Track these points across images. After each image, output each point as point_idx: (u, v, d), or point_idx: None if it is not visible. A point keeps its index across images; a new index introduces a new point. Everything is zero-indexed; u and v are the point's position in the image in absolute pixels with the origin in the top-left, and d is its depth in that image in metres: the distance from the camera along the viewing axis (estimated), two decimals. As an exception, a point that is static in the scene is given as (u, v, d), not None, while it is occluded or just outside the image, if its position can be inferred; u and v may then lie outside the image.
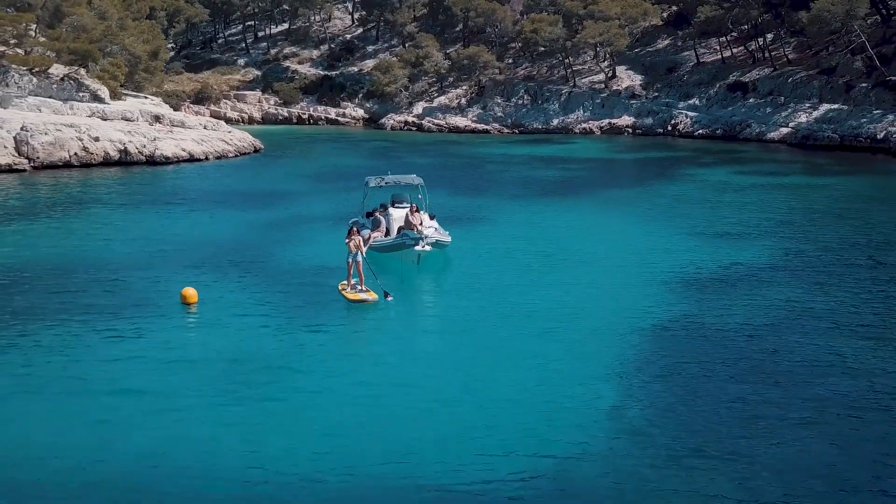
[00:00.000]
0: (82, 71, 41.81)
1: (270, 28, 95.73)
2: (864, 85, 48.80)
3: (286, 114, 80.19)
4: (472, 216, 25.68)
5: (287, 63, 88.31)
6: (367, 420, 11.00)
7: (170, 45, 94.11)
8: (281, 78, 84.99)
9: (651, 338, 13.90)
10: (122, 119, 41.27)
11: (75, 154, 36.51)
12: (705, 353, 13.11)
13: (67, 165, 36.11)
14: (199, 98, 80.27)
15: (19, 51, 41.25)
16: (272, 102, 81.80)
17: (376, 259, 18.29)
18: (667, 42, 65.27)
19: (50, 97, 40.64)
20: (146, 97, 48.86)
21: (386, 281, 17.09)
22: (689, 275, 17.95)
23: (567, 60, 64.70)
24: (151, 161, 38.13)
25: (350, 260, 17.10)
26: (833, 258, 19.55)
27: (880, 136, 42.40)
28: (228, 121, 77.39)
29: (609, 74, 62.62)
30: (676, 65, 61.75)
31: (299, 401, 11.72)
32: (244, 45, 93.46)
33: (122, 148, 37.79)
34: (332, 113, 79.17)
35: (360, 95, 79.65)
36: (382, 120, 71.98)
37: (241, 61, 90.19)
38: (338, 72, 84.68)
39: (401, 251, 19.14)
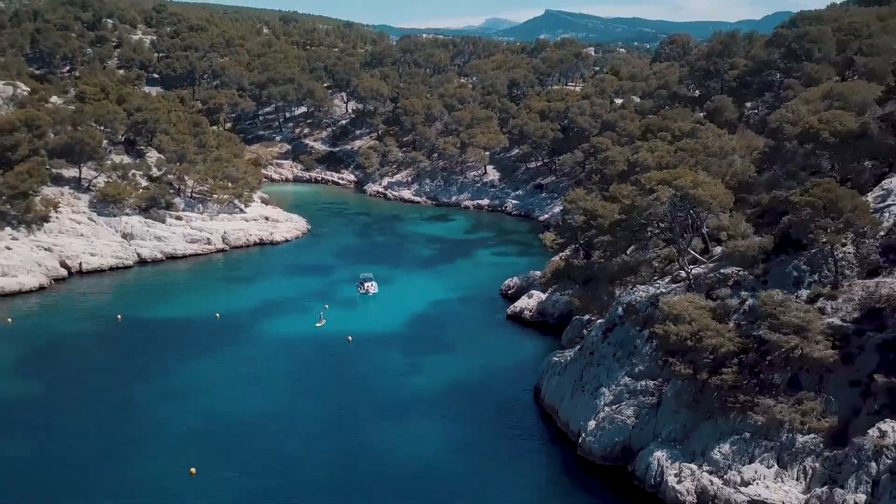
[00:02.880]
0: (236, 198, 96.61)
1: (294, 110, 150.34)
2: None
3: (307, 176, 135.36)
4: (386, 279, 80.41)
5: (306, 140, 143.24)
6: (370, 318, 66.24)
7: (228, 125, 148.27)
8: (303, 151, 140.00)
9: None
10: (254, 220, 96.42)
11: (244, 242, 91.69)
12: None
13: (241, 247, 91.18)
14: (255, 163, 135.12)
15: (204, 190, 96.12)
16: (298, 168, 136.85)
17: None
18: (516, 151, 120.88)
19: (222, 213, 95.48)
20: (259, 202, 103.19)
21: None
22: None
23: (463, 159, 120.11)
24: (272, 243, 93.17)
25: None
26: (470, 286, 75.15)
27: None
28: (273, 180, 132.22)
29: (482, 172, 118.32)
30: (517, 168, 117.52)
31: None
32: (278, 123, 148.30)
33: (260, 238, 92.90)
34: (335, 177, 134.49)
35: (352, 166, 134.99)
36: (365, 186, 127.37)
37: (278, 137, 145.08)
38: (338, 148, 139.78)
39: (363, 293, 75.13)
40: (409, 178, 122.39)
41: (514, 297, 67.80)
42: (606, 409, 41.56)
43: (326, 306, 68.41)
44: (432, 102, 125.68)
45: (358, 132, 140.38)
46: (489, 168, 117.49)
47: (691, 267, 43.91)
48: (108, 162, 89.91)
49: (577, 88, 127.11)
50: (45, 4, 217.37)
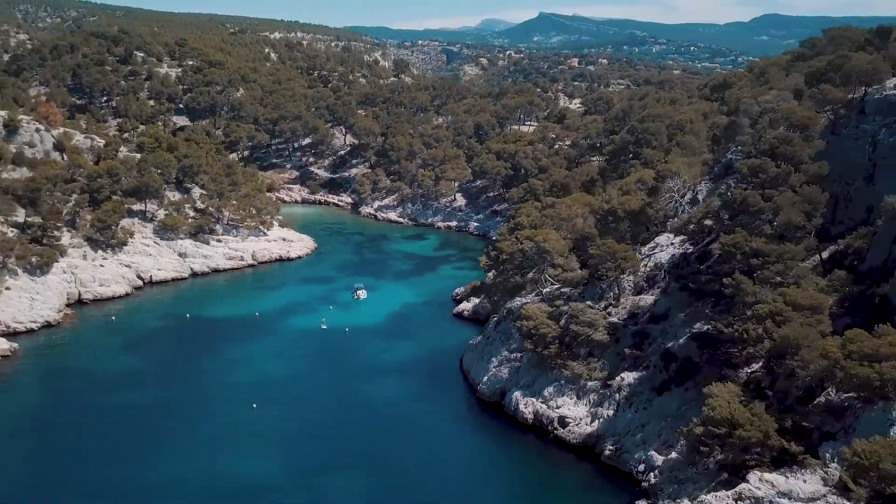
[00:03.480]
0: (260, 224, 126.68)
1: (301, 142, 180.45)
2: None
3: (313, 199, 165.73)
4: (373, 287, 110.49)
5: (311, 168, 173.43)
6: (360, 316, 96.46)
7: (246, 153, 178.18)
8: (309, 177, 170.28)
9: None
10: (274, 241, 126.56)
11: (268, 259, 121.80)
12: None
13: (266, 263, 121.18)
14: (270, 188, 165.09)
15: (237, 218, 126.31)
16: (305, 192, 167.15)
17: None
18: (478, 183, 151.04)
19: (250, 236, 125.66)
20: (277, 225, 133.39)
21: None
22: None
23: (437, 189, 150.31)
24: (288, 259, 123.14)
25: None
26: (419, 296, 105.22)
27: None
28: (284, 201, 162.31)
29: (452, 199, 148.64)
30: (479, 196, 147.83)
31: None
32: (288, 152, 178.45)
33: (279, 255, 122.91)
34: (335, 199, 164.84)
35: (349, 190, 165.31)
36: (359, 208, 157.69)
37: (288, 165, 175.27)
38: (338, 175, 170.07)
39: (356, 298, 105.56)
40: (395, 203, 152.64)
41: (460, 301, 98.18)
42: (493, 369, 72.04)
43: (331, 307, 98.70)
44: (413, 141, 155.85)
45: (354, 162, 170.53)
46: (457, 195, 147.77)
47: (545, 286, 74.41)
48: (166, 199, 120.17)
49: (531, 129, 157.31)
50: (77, 38, 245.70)
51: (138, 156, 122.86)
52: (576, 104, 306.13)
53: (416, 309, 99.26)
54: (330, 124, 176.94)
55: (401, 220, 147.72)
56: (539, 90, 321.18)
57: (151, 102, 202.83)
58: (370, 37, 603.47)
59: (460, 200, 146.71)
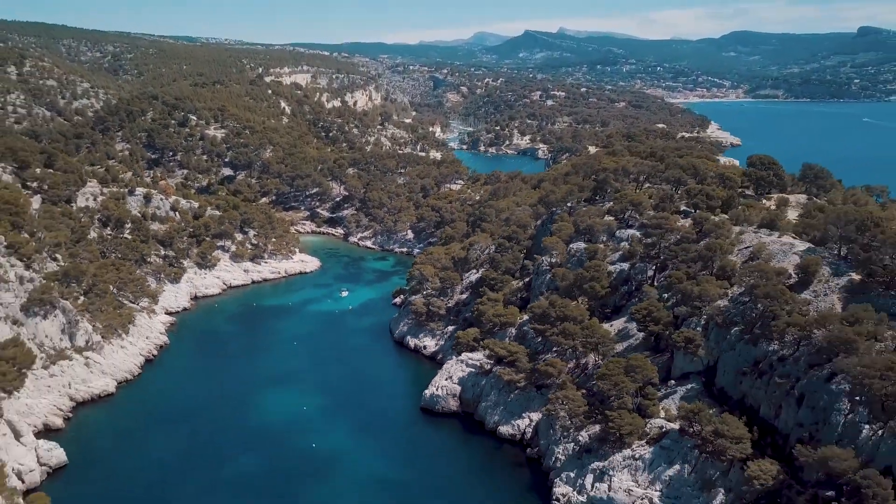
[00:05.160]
0: (289, 252, 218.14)
1: (311, 191, 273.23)
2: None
3: (318, 231, 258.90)
4: (350, 290, 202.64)
5: (317, 209, 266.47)
6: (344, 305, 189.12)
7: (273, 198, 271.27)
8: (316, 216, 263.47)
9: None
10: (296, 262, 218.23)
11: (294, 273, 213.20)
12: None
13: (292, 275, 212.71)
14: (291, 223, 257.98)
15: (275, 249, 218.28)
16: (313, 226, 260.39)
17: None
18: (422, 223, 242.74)
19: (283, 259, 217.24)
20: (298, 251, 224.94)
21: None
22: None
23: (396, 227, 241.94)
24: (305, 273, 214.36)
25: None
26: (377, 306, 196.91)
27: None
28: (299, 232, 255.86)
29: (406, 233, 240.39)
30: (422, 232, 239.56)
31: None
32: (302, 198, 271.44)
33: (300, 270, 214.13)
34: (333, 231, 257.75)
35: (342, 225, 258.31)
36: (348, 238, 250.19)
37: (302, 207, 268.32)
38: (335, 215, 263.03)
39: (342, 296, 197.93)
40: (370, 235, 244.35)
41: (395, 297, 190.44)
42: (401, 327, 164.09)
43: (329, 300, 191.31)
44: (382, 195, 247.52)
45: (345, 206, 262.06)
46: (409, 231, 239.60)
47: (424, 290, 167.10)
48: (235, 238, 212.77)
49: (458, 187, 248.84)
50: (144, 103, 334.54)
51: (219, 213, 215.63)
52: (525, 140, 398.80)
53: (374, 301, 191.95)
54: (330, 179, 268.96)
55: (373, 246, 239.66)
56: (498, 128, 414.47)
57: (205, 157, 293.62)
58: (367, 67, 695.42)
59: (410, 234, 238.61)
